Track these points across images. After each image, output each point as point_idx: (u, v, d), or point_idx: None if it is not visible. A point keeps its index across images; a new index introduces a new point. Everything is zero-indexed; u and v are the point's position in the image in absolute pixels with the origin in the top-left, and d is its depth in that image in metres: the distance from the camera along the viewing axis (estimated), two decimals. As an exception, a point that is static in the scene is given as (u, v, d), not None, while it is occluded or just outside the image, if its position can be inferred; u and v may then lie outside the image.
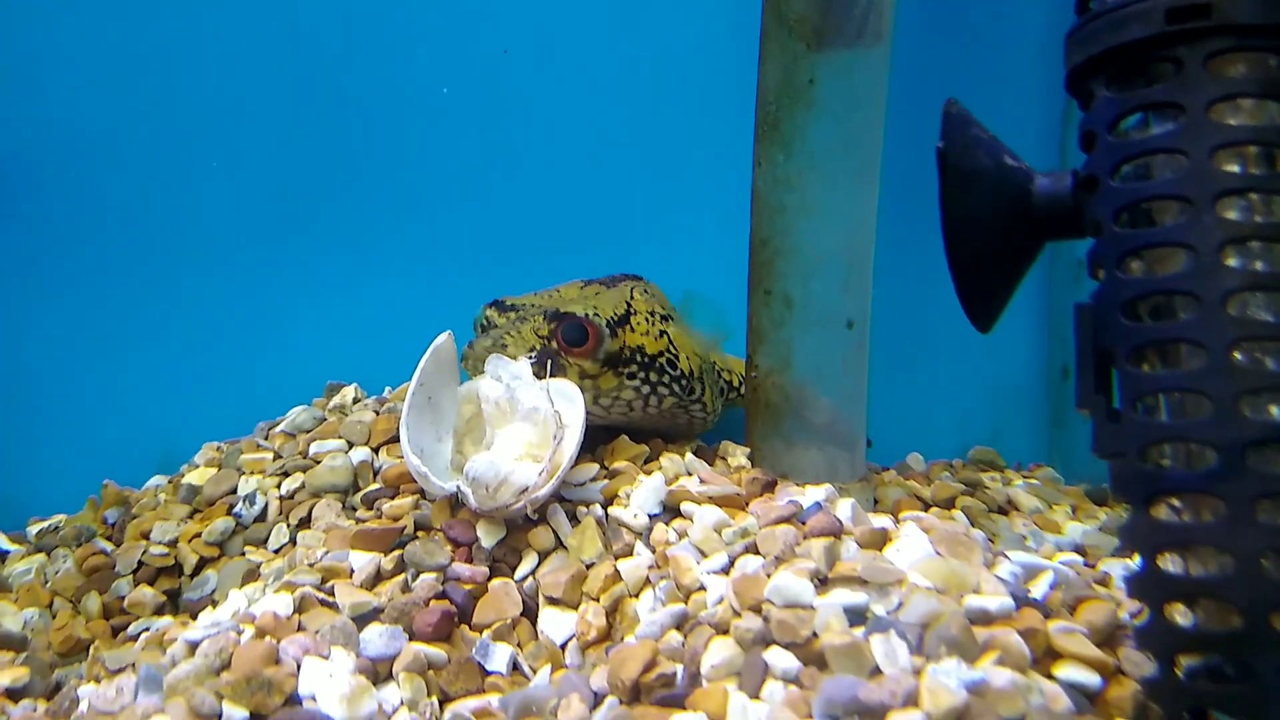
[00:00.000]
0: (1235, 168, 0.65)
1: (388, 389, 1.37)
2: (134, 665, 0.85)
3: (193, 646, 0.82)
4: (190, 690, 0.74)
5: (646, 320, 1.17)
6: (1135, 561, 0.67)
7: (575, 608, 0.91)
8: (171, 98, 1.49)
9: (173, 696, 0.75)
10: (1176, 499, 0.64)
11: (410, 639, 0.86)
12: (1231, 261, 0.64)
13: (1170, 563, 0.64)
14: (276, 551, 1.10)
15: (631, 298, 1.19)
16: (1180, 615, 0.63)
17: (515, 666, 0.87)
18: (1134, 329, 0.67)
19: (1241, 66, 0.66)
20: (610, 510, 1.00)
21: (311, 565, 0.95)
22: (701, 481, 1.02)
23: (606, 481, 1.04)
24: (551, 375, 1.06)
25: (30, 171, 1.48)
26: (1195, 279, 0.64)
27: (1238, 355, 0.62)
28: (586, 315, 1.09)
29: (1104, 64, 0.71)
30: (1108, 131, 0.71)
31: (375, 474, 1.16)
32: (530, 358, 1.07)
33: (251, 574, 1.06)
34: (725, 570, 0.87)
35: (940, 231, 0.81)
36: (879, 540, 0.86)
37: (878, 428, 1.20)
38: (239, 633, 0.82)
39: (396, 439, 1.11)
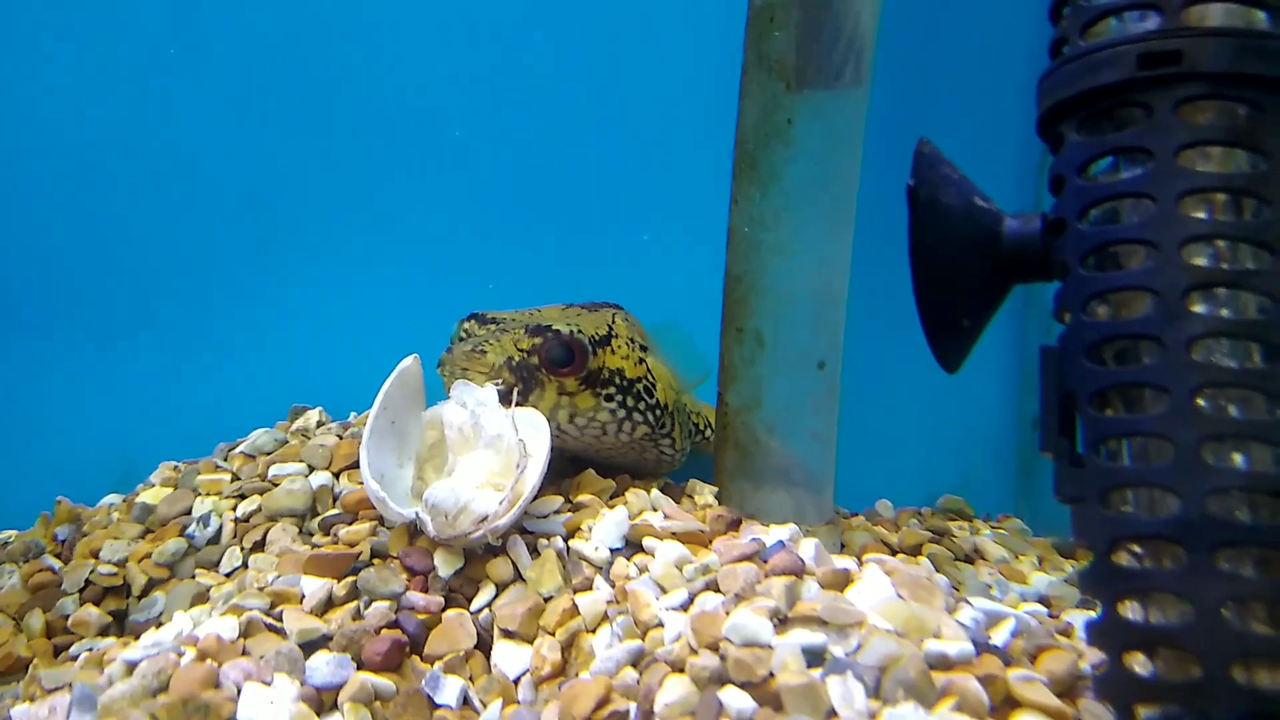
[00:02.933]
0: (1202, 214, 0.65)
1: (353, 414, 1.36)
2: (70, 684, 0.82)
3: (131, 667, 0.79)
4: (124, 712, 0.71)
5: (627, 345, 1.16)
6: (1098, 611, 0.66)
7: (531, 641, 0.89)
8: (140, 124, 1.47)
9: (106, 717, 0.72)
10: (1137, 545, 0.63)
11: (358, 668, 0.83)
12: (1197, 308, 0.64)
13: (1130, 610, 0.63)
14: (228, 575, 1.07)
15: (613, 322, 1.18)
16: (1139, 665, 0.62)
17: (465, 700, 0.85)
18: (1097, 372, 0.66)
19: (1211, 114, 0.66)
20: (571, 543, 0.98)
21: (261, 589, 0.93)
22: (666, 517, 1.01)
23: (570, 514, 1.02)
24: (529, 391, 1.05)
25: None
26: (1160, 324, 0.64)
27: (1201, 401, 0.62)
28: (571, 332, 1.08)
29: (1075, 108, 0.72)
30: (1077, 175, 0.71)
31: (335, 499, 1.14)
32: (501, 381, 1.05)
33: (201, 597, 1.03)
34: (684, 607, 0.85)
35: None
36: (841, 581, 0.85)
37: (847, 472, 1.19)
38: (180, 655, 0.80)
39: (358, 464, 1.09)
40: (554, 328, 1.08)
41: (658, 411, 1.15)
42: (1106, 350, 0.67)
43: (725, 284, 1.15)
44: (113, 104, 1.46)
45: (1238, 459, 0.61)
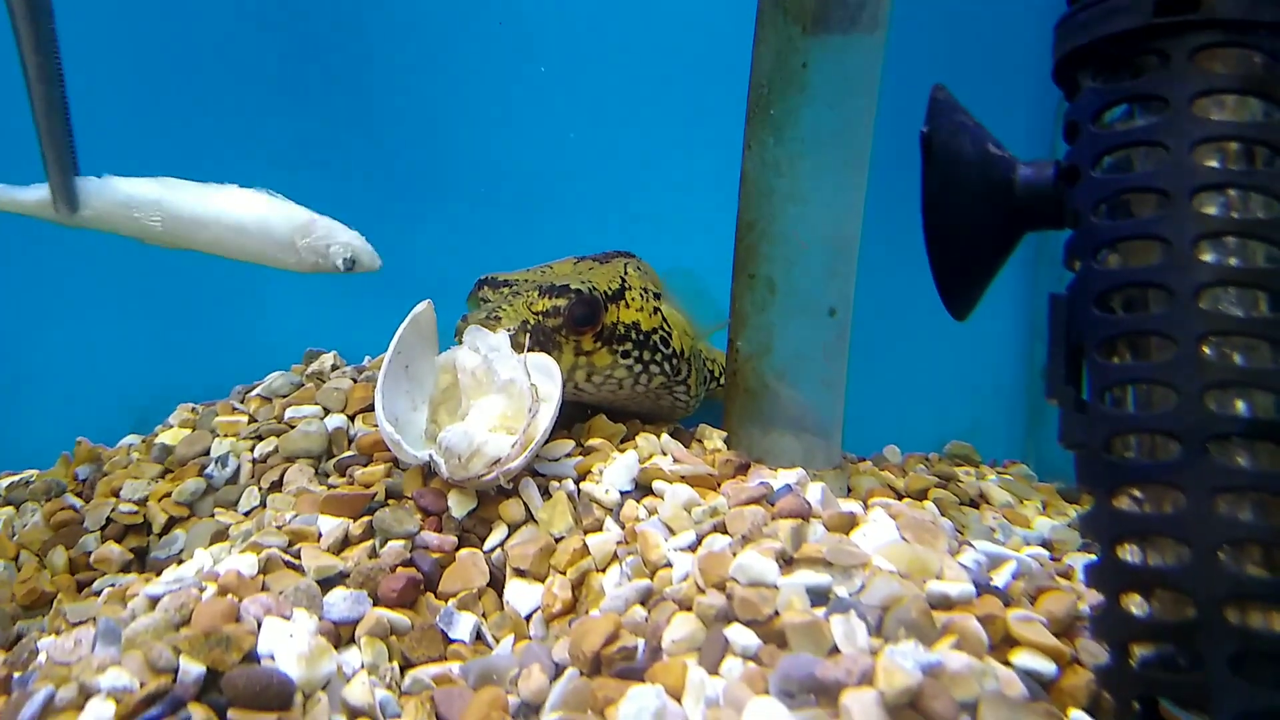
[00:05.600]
0: (1215, 163, 0.65)
1: (367, 358, 1.37)
2: (94, 618, 0.85)
3: (153, 601, 0.82)
4: (148, 644, 0.73)
5: (641, 296, 1.16)
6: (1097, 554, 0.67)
7: (542, 580, 0.91)
8: (176, 65, 1.47)
9: (130, 649, 0.74)
10: (1138, 489, 0.64)
11: (374, 604, 0.86)
12: (1206, 256, 0.64)
13: (1129, 553, 0.64)
14: (247, 514, 1.10)
15: (625, 273, 1.18)
16: (1135, 605, 0.64)
17: (479, 636, 0.87)
18: (1105, 320, 0.67)
19: (1227, 62, 0.65)
20: (582, 485, 0.99)
21: (279, 528, 0.95)
22: (675, 461, 1.02)
23: (581, 458, 1.04)
24: (546, 353, 1.05)
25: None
26: (1168, 272, 0.64)
27: (1206, 349, 0.62)
28: (589, 290, 1.08)
29: (1091, 55, 0.71)
30: (1091, 122, 0.70)
31: (350, 441, 1.16)
32: (511, 332, 1.05)
33: (220, 535, 1.06)
34: (692, 548, 0.87)
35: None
36: (846, 524, 0.86)
37: (856, 418, 1.20)
38: (201, 590, 0.82)
39: (372, 407, 1.10)
40: (572, 287, 1.08)
41: (674, 361, 1.16)
42: (1115, 298, 0.67)
43: (737, 230, 1.15)
44: (148, 55, 1.45)
45: (1240, 405, 0.62)
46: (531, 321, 1.05)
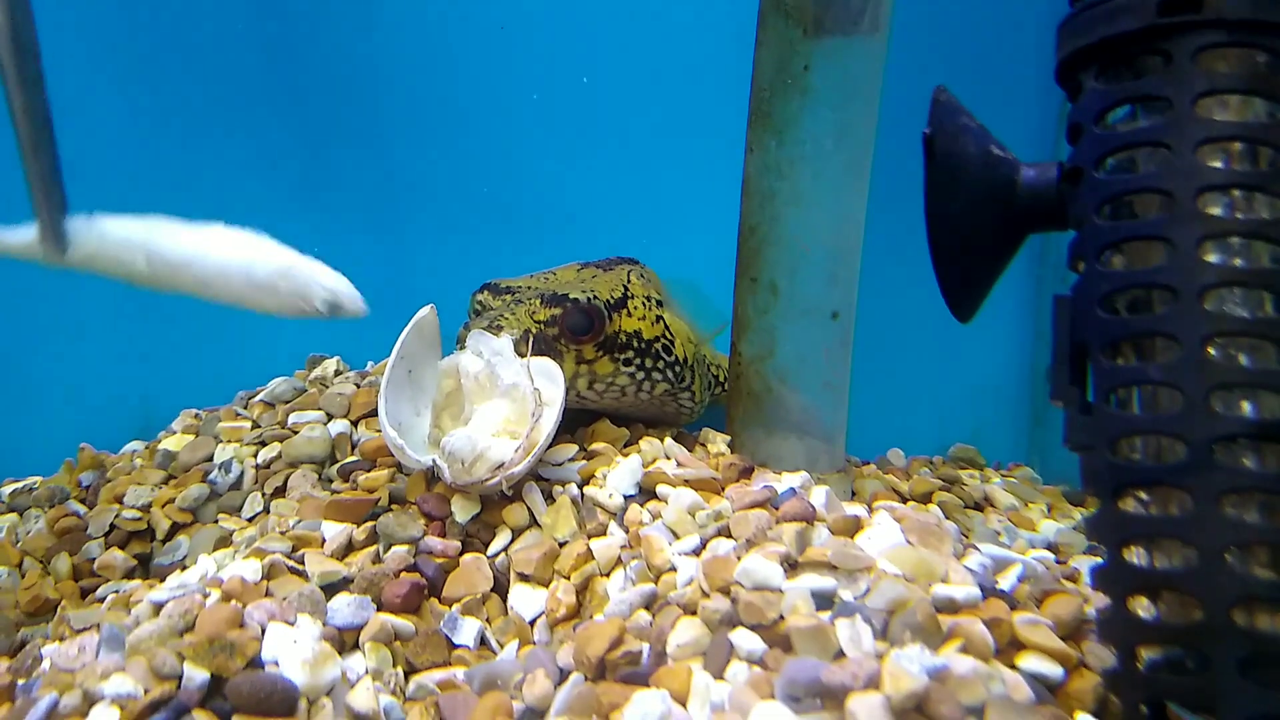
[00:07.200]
0: (1219, 163, 0.65)
1: (370, 363, 1.37)
2: (98, 625, 0.85)
3: (157, 607, 0.82)
4: (152, 650, 0.73)
5: (644, 304, 1.15)
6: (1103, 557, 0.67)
7: (546, 585, 0.91)
8: (172, 79, 1.47)
9: (134, 656, 0.75)
10: (1144, 492, 0.64)
11: (378, 609, 0.85)
12: (1211, 257, 0.64)
13: (1136, 555, 0.64)
14: (250, 520, 1.10)
15: (628, 281, 1.17)
16: (1142, 608, 0.63)
17: (483, 641, 0.87)
18: (1110, 322, 0.67)
19: (1230, 62, 0.66)
20: (586, 490, 0.99)
21: (283, 533, 0.95)
22: (679, 465, 1.02)
23: (584, 462, 1.03)
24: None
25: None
26: (1173, 273, 0.64)
27: (1212, 350, 0.62)
28: (588, 299, 1.07)
29: (1094, 56, 0.71)
30: (1094, 123, 0.70)
31: (353, 447, 1.16)
32: (514, 339, 1.05)
33: (224, 541, 1.06)
34: (696, 552, 0.87)
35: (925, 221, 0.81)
36: (851, 527, 0.86)
37: (860, 421, 1.19)
38: (205, 596, 0.82)
39: (375, 412, 1.10)
40: (571, 296, 1.07)
41: (677, 368, 1.16)
42: (1120, 299, 0.67)
43: (740, 234, 1.15)
44: (147, 66, 1.46)
45: (1246, 407, 0.61)
46: (534, 330, 1.05)
